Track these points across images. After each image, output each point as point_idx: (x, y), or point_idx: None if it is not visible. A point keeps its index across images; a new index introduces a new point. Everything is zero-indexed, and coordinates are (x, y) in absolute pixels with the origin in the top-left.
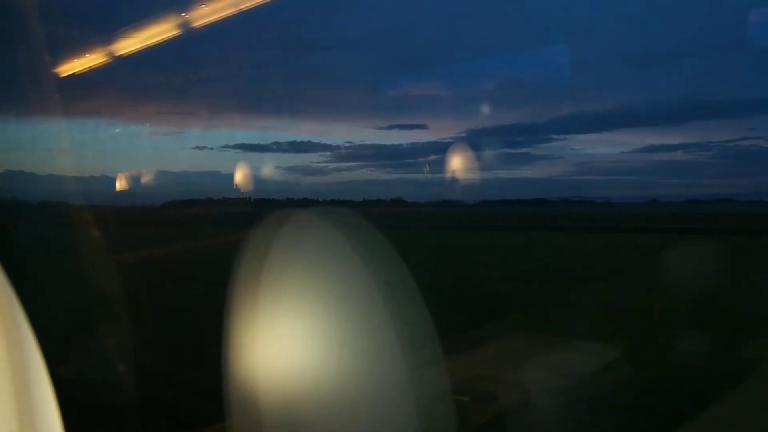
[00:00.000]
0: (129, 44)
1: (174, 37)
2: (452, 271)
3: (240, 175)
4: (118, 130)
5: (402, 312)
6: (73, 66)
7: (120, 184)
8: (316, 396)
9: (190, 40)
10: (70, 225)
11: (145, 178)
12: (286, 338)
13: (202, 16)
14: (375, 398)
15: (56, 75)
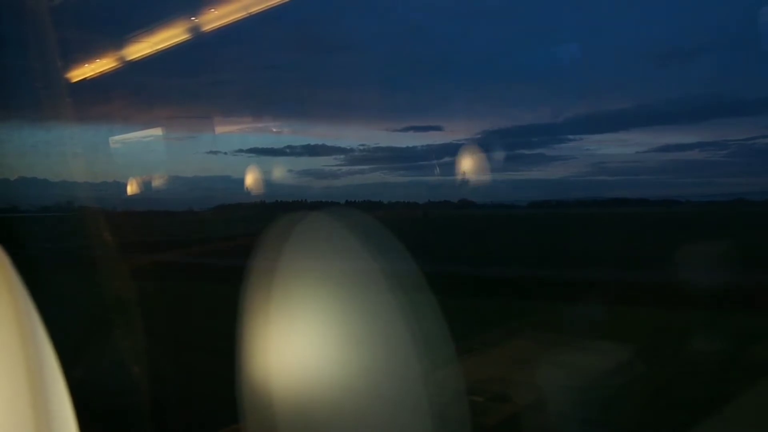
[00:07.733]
0: (141, 48)
1: (186, 41)
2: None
3: (252, 179)
4: (130, 134)
5: (416, 313)
6: (84, 71)
7: (131, 189)
8: (331, 397)
9: (202, 43)
10: (83, 230)
11: (157, 183)
12: (301, 340)
13: (214, 19)
14: (390, 400)
15: (68, 80)
